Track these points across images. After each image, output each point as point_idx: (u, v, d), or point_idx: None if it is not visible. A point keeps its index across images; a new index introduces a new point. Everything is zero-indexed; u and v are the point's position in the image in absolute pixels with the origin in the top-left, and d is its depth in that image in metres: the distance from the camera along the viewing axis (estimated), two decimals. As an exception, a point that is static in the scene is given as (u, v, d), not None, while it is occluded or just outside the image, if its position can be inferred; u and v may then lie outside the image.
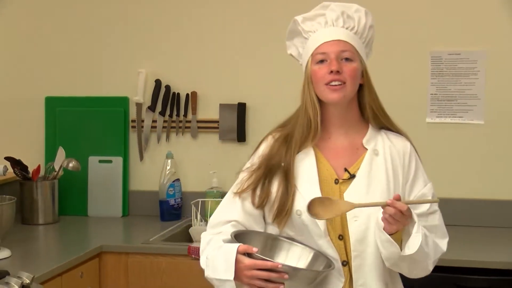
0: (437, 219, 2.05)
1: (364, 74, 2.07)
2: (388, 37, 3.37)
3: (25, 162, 3.48)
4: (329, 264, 1.98)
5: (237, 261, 1.89)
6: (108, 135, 3.63)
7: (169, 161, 3.52)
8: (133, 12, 3.62)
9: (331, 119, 2.07)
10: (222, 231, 2.02)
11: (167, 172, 3.50)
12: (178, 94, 3.60)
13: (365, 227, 1.97)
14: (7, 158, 3.42)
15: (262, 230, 2.06)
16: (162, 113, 3.60)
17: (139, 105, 3.62)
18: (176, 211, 3.52)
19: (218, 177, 3.47)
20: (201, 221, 3.21)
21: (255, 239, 2.01)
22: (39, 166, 3.49)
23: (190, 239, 3.15)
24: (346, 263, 2.00)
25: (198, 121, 3.59)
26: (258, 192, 2.03)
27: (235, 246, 1.91)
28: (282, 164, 2.03)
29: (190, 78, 3.58)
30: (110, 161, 3.62)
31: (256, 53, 3.51)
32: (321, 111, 2.05)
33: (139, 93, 3.60)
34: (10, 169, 3.44)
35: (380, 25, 3.34)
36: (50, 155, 3.60)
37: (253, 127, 3.53)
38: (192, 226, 3.18)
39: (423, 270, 2.01)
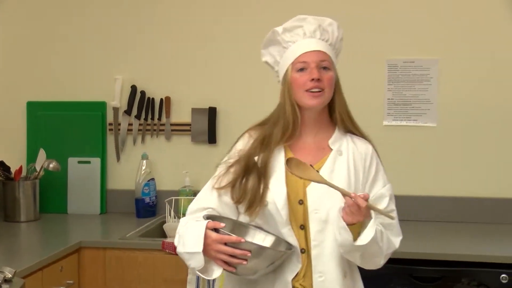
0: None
1: (336, 81, 2.10)
2: (349, 46, 3.36)
3: (7, 163, 3.44)
4: (289, 248, 2.01)
5: (205, 236, 1.93)
6: (86, 137, 3.60)
7: (144, 161, 3.50)
8: (110, 23, 3.61)
9: (305, 121, 2.10)
10: (199, 217, 2.05)
11: (143, 172, 3.49)
12: (153, 99, 3.58)
13: (325, 219, 2.00)
14: (-10, 160, 3.39)
15: (235, 218, 2.09)
16: (138, 116, 3.58)
17: (116, 109, 3.60)
18: (151, 209, 3.50)
19: (191, 177, 3.47)
20: (175, 217, 3.20)
21: (225, 224, 2.04)
22: (21, 167, 3.46)
23: (164, 235, 3.14)
24: (304, 251, 2.03)
25: (171, 124, 3.58)
26: (236, 189, 2.06)
27: (205, 222, 1.96)
28: (258, 162, 2.06)
29: (164, 84, 3.57)
30: (88, 162, 3.60)
31: (225, 62, 3.52)
32: None
33: (116, 98, 3.59)
34: (-7, 170, 3.42)
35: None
36: (31, 157, 3.56)
37: (223, 129, 3.53)
38: (166, 222, 3.17)
39: (374, 263, 2.04)
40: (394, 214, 2.07)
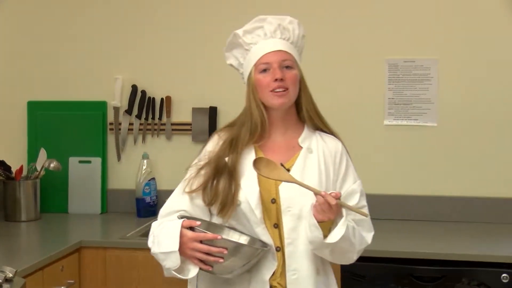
0: None
1: (301, 79, 2.10)
2: (349, 47, 3.39)
3: (8, 163, 3.44)
4: (265, 246, 2.00)
5: (181, 235, 1.92)
6: (87, 137, 3.60)
7: (145, 161, 3.50)
8: (111, 23, 3.60)
9: (272, 120, 2.10)
10: (171, 220, 2.04)
11: (143, 172, 3.49)
12: (153, 98, 3.58)
13: (298, 217, 2.01)
14: (-9, 159, 3.39)
15: (208, 220, 2.09)
16: (138, 116, 3.58)
17: (116, 109, 3.60)
18: (152, 208, 3.49)
19: (191, 176, 3.46)
20: (175, 217, 3.20)
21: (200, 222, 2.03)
22: (21, 167, 3.46)
23: (164, 234, 3.14)
24: (279, 249, 2.03)
25: (172, 124, 3.57)
26: (208, 191, 2.05)
27: (180, 221, 1.96)
28: (228, 164, 2.05)
29: (164, 84, 3.57)
30: (89, 162, 3.59)
31: (225, 62, 3.50)
32: None
33: (116, 98, 3.58)
34: (-6, 170, 3.41)
35: (342, 36, 3.41)
36: (32, 156, 3.56)
37: (223, 129, 3.52)
38: (166, 222, 3.17)
39: (347, 259, 2.05)
40: (366, 210, 2.07)
